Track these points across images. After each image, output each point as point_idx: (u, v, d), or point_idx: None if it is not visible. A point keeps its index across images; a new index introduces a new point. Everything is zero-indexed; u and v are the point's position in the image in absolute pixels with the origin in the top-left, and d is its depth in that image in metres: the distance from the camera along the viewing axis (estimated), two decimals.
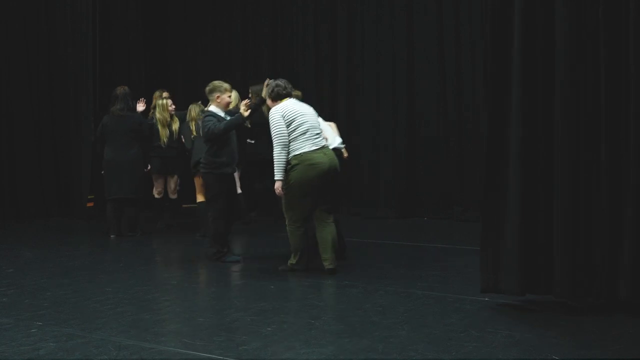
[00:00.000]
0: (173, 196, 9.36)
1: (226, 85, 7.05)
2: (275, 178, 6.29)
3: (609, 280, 4.77)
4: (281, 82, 6.58)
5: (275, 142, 6.29)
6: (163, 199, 9.38)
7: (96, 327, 4.75)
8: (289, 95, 6.55)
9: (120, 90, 8.72)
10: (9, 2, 10.75)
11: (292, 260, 6.47)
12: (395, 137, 10.47)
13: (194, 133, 8.37)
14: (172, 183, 9.24)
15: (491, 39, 5.03)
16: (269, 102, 6.59)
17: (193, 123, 8.45)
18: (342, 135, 10.89)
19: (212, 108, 7.00)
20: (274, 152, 6.30)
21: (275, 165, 6.28)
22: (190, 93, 8.87)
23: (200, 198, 8.41)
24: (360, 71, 10.85)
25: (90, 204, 10.65)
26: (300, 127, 6.31)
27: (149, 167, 9.19)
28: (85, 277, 6.42)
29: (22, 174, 10.78)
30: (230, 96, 7.12)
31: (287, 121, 6.28)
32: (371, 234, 9.08)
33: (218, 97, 6.98)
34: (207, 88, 7.06)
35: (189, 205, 10.07)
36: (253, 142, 9.20)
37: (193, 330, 4.70)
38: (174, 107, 9.09)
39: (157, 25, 12.28)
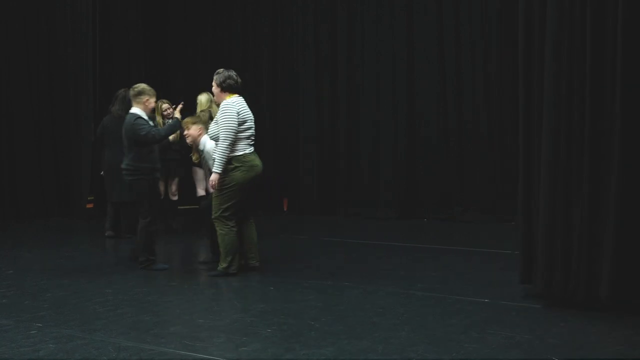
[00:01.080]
0: (174, 198, 9.34)
1: (154, 91, 6.91)
2: (216, 171, 6.27)
3: (588, 280, 4.87)
4: (233, 74, 6.47)
5: (224, 135, 6.22)
6: (162, 201, 9.36)
7: (96, 328, 4.75)
8: (239, 91, 6.49)
9: (121, 91, 8.71)
10: (9, 2, 10.75)
11: (224, 264, 6.37)
12: (395, 137, 10.47)
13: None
14: (174, 185, 9.22)
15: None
16: (216, 90, 6.46)
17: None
18: (342, 135, 11.02)
19: (138, 111, 6.74)
20: (219, 146, 6.25)
21: (218, 159, 6.25)
22: (190, 93, 8.83)
23: None
24: (360, 71, 10.84)
25: (90, 205, 10.66)
26: (248, 130, 6.37)
27: None
28: (85, 278, 6.41)
29: (22, 174, 10.79)
30: (156, 101, 6.97)
31: (240, 120, 6.28)
32: (371, 234, 9.08)
33: (147, 100, 6.79)
34: (136, 89, 6.83)
35: (185, 207, 10.05)
36: None
37: (193, 331, 4.70)
38: (170, 110, 9.01)
39: (157, 25, 12.26)
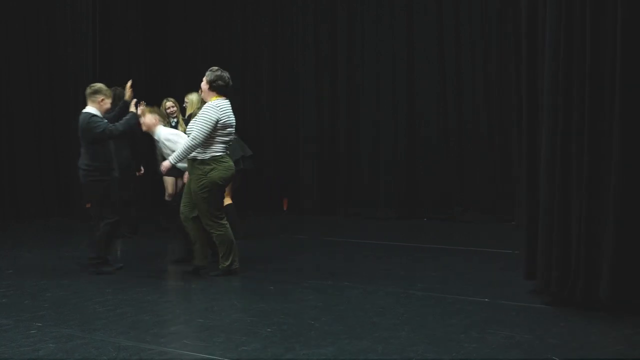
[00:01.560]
0: None
1: (111, 92, 6.88)
2: (172, 161, 6.37)
3: (587, 280, 4.89)
4: (226, 76, 6.40)
5: (195, 135, 6.20)
6: (172, 200, 9.33)
7: (96, 328, 4.75)
8: (226, 94, 6.43)
9: (116, 89, 8.68)
10: (9, 2, 10.74)
11: (226, 262, 6.40)
12: (395, 137, 10.47)
13: None
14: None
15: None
16: (205, 86, 6.41)
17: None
18: (342, 135, 11.02)
19: (92, 110, 6.68)
20: (187, 142, 6.25)
21: (179, 154, 6.30)
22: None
23: (227, 201, 8.22)
24: (360, 71, 10.84)
25: (89, 205, 10.62)
26: (229, 135, 6.37)
27: (142, 170, 9.15)
28: (85, 278, 6.42)
29: (22, 174, 10.78)
30: (111, 102, 6.90)
31: (221, 125, 6.25)
32: (371, 234, 9.08)
33: (102, 100, 6.72)
34: (93, 88, 6.77)
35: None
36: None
37: (193, 331, 4.71)
38: (173, 108, 8.97)
39: (157, 25, 12.25)
